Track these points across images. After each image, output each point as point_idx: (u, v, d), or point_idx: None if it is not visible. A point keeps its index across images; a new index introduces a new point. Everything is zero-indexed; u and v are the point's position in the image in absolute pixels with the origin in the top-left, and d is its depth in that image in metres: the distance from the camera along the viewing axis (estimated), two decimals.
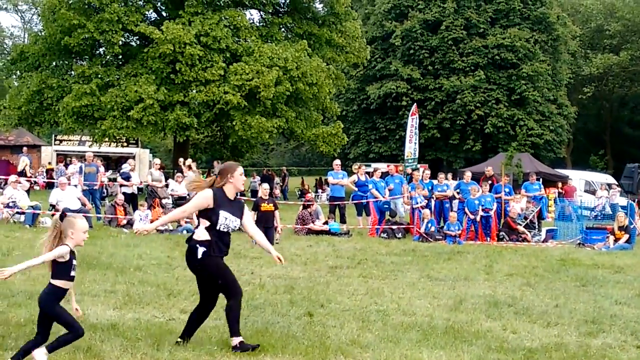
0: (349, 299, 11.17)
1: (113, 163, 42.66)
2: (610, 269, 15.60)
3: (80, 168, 23.66)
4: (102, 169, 25.63)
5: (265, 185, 20.53)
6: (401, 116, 50.43)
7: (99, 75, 34.46)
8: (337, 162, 24.34)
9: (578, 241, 21.30)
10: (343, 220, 22.76)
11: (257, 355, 7.70)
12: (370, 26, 54.93)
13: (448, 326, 9.48)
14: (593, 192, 35.84)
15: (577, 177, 39.81)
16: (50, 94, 34.69)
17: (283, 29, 39.92)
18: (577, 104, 59.43)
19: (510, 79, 51.89)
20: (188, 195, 24.16)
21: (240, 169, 8.00)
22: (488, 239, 21.60)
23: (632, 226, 21.30)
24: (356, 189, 23.29)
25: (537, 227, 23.32)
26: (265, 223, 18.59)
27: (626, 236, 20.52)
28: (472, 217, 21.73)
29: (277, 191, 40.40)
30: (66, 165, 29.36)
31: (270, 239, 18.14)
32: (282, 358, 7.63)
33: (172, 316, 9.51)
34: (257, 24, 39.98)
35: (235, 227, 7.85)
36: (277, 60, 33.79)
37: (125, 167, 25.41)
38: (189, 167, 26.13)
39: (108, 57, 36.27)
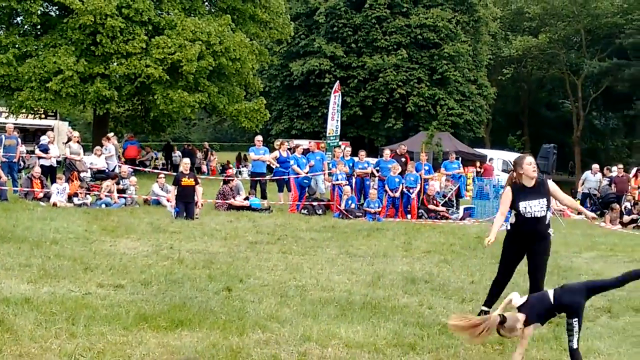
0: (268, 274, 11.20)
1: (30, 135, 41.72)
2: None
3: (0, 140, 23.11)
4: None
5: (186, 160, 20.42)
6: (324, 93, 50.45)
7: (17, 45, 33.56)
8: (259, 137, 24.33)
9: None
10: (264, 196, 22.78)
11: (175, 329, 7.68)
12: (294, 2, 54.66)
13: (366, 302, 9.59)
14: (510, 172, 36.49)
15: (495, 157, 40.53)
16: None
17: (206, 3, 39.52)
18: (496, 85, 60.25)
19: (432, 59, 52.31)
20: (107, 169, 23.91)
21: (527, 159, 8.92)
22: (408, 216, 21.85)
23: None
24: (278, 165, 23.34)
25: (455, 205, 23.69)
26: (186, 198, 18.54)
27: None
28: (392, 194, 21.94)
29: (204, 167, 40.16)
30: None
31: (191, 213, 18.12)
32: (200, 332, 7.62)
33: (89, 290, 9.40)
34: None
35: (542, 208, 8.76)
36: (200, 35, 33.45)
37: (44, 140, 24.91)
38: (108, 139, 25.81)
39: (26, 26, 35.31)
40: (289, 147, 25.84)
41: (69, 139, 24.57)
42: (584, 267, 13.59)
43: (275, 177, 23.56)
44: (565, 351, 7.76)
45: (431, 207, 22.31)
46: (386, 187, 22.13)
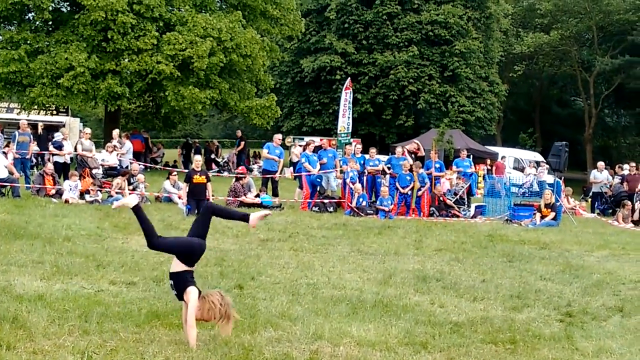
0: (279, 272, 11.22)
1: (42, 132, 41.86)
2: (536, 245, 15.94)
3: (14, 136, 23.21)
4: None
5: (198, 157, 20.45)
6: (335, 90, 50.42)
7: (28, 42, 33.61)
8: (279, 136, 24.39)
9: (506, 217, 21.68)
10: (275, 194, 22.80)
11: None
12: None
13: (377, 300, 9.60)
14: (522, 170, 36.41)
15: (507, 155, 40.40)
16: None
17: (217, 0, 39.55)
18: (508, 82, 60.12)
19: (443, 56, 52.23)
20: (120, 165, 23.98)
21: None
22: (420, 214, 21.85)
23: (558, 203, 21.75)
24: (303, 160, 23.14)
25: (466, 203, 23.66)
26: (198, 195, 18.57)
27: (552, 213, 20.95)
28: (403, 192, 21.94)
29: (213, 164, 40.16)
30: None
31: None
32: (212, 330, 7.63)
33: (101, 287, 9.45)
34: None
35: None
36: (211, 31, 33.43)
37: (58, 136, 24.99)
38: (127, 137, 25.95)
39: (37, 22, 35.34)
40: (299, 144, 25.86)
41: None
42: (596, 265, 13.56)
43: (297, 174, 23.56)
44: (577, 350, 7.75)
45: (449, 202, 22.37)
46: (397, 185, 22.12)
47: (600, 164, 28.45)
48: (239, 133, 39.79)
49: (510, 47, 61.24)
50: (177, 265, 7.35)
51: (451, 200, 22.71)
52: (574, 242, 16.85)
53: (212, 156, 39.51)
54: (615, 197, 26.02)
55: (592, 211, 26.44)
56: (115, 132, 27.26)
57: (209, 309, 7.16)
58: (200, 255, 7.54)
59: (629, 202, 23.70)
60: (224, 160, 37.57)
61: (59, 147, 23.28)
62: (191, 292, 7.20)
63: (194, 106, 34.18)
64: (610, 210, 25.51)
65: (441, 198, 22.48)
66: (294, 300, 9.37)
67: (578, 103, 66.91)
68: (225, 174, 31.63)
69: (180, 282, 7.30)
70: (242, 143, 37.74)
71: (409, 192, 22.10)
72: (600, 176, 27.33)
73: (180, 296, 7.33)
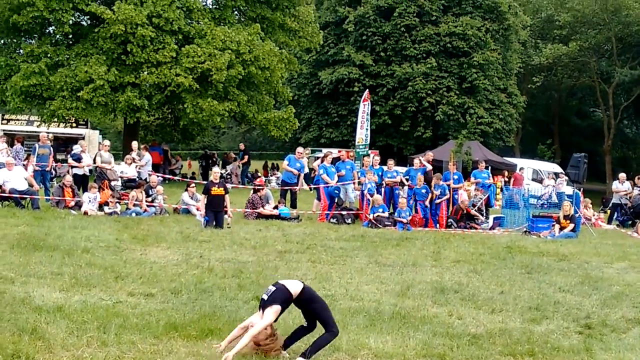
0: None
1: (62, 144, 42.10)
2: (554, 257, 15.85)
3: (34, 148, 23.37)
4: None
5: (216, 169, 20.51)
6: (353, 102, 50.46)
7: (48, 55, 33.86)
8: (300, 149, 24.37)
9: (524, 229, 21.58)
10: (294, 205, 22.81)
11: (204, 338, 7.73)
12: (323, 11, 54.79)
13: (395, 311, 9.58)
14: (540, 181, 36.31)
15: (525, 166, 40.31)
16: None
17: (236, 12, 39.61)
18: (526, 93, 60.02)
19: (461, 67, 52.20)
20: (139, 177, 24.09)
21: None
22: (437, 226, 21.81)
23: (577, 215, 21.64)
24: (321, 172, 23.16)
25: (484, 214, 23.60)
26: (216, 207, 18.61)
27: (571, 225, 20.85)
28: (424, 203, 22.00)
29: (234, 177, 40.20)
30: (10, 145, 28.89)
31: (220, 222, 18.19)
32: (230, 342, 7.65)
33: (120, 299, 9.48)
34: (210, 6, 39.59)
35: None
36: (230, 44, 33.57)
37: (76, 148, 25.14)
38: (146, 149, 26.09)
39: (58, 36, 35.62)
40: (317, 156, 25.88)
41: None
42: (615, 277, 13.48)
43: (315, 186, 23.55)
44: None
45: (473, 212, 22.44)
46: (415, 198, 22.14)
47: (622, 175, 28.30)
48: (242, 146, 39.80)
49: (528, 58, 61.12)
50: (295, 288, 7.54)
51: (473, 209, 22.75)
52: (593, 253, 16.76)
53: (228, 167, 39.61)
54: (634, 208, 25.86)
55: (610, 222, 26.30)
56: (134, 144, 27.41)
57: (271, 338, 7.39)
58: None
59: None
60: (226, 173, 37.59)
61: (78, 159, 23.40)
62: (274, 312, 7.36)
63: (213, 118, 34.30)
64: (630, 222, 25.35)
65: (465, 210, 22.47)
66: None
67: (597, 114, 66.69)
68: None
69: (279, 298, 7.42)
70: (246, 157, 37.66)
71: (427, 205, 22.09)
72: (622, 187, 27.16)
73: (264, 303, 7.47)
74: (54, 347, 7.11)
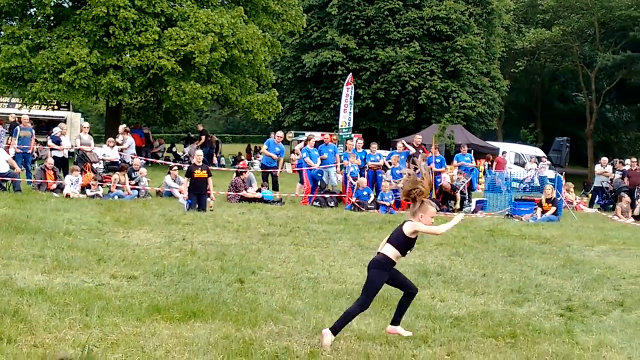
0: (280, 266, 11.23)
1: (44, 126, 41.84)
2: (536, 240, 15.93)
3: (15, 131, 23.21)
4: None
5: (199, 152, 20.45)
6: (336, 85, 50.40)
7: (30, 37, 33.63)
8: (280, 133, 24.41)
9: (507, 212, 21.68)
10: (275, 188, 22.80)
11: (187, 321, 7.71)
12: None
13: (378, 294, 9.60)
14: (523, 165, 36.45)
15: (508, 150, 40.44)
16: None
17: None
18: (509, 78, 60.13)
19: (444, 51, 52.23)
20: (122, 160, 23.98)
21: None
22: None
23: (559, 199, 21.74)
24: (303, 155, 23.15)
25: (467, 198, 23.67)
26: (199, 190, 18.57)
27: (553, 208, 20.96)
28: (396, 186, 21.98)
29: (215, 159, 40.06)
30: None
31: (203, 205, 18.16)
32: (213, 324, 7.65)
33: (102, 281, 9.45)
34: None
35: None
36: (213, 26, 33.43)
37: (56, 131, 25.01)
38: (127, 132, 26.00)
39: (39, 18, 35.36)
40: (300, 139, 25.88)
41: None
42: (596, 260, 13.56)
43: (298, 169, 23.56)
44: (577, 345, 7.75)
45: (458, 195, 22.56)
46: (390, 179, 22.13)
47: (604, 159, 28.50)
48: (200, 127, 39.43)
49: (511, 42, 61.24)
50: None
51: (456, 192, 22.81)
52: (575, 236, 16.86)
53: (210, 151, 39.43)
54: (616, 192, 26.03)
55: (592, 206, 26.46)
56: (122, 127, 27.29)
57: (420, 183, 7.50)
58: None
59: (626, 195, 23.73)
60: (184, 155, 37.49)
61: (57, 142, 23.26)
62: (417, 224, 7.59)
63: (195, 101, 34.20)
64: (611, 205, 25.51)
65: (450, 192, 22.53)
66: (294, 294, 9.38)
67: (579, 99, 66.93)
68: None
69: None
70: (203, 137, 37.12)
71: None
72: (605, 169, 27.29)
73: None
74: (36, 329, 7.08)
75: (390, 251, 7.47)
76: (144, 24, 33.17)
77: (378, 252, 7.56)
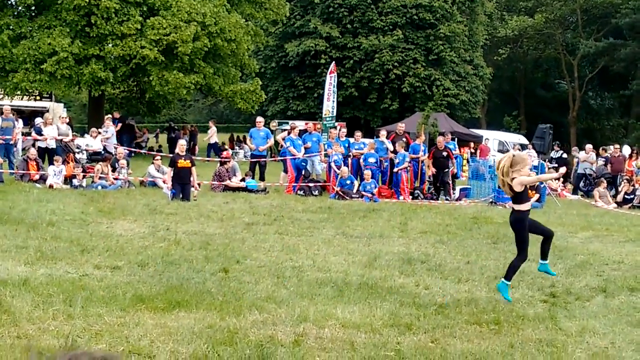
0: (264, 256, 11.23)
1: (26, 117, 41.60)
2: None
3: None
4: (20, 123, 25.08)
5: (182, 142, 20.39)
6: (320, 74, 50.31)
7: (11, 27, 33.37)
8: (260, 119, 24.35)
9: (490, 200, 21.74)
10: (262, 178, 22.77)
11: (172, 310, 7.71)
12: None
13: (362, 282, 9.62)
14: (506, 152, 36.51)
15: (491, 137, 40.49)
16: None
17: None
18: (492, 65, 60.20)
19: (427, 39, 52.20)
20: (104, 150, 23.89)
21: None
22: (399, 195, 21.87)
23: (542, 186, 21.82)
24: (287, 145, 23.14)
25: (451, 185, 23.72)
26: (182, 179, 18.53)
27: (536, 195, 21.02)
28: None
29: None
30: None
31: (187, 195, 18.13)
32: (197, 313, 7.65)
33: (86, 272, 9.42)
34: None
35: None
36: (196, 15, 33.29)
37: (38, 121, 24.87)
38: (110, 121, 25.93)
39: (20, 7, 35.09)
40: (284, 128, 25.84)
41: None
42: (580, 247, 13.63)
43: (281, 158, 23.53)
44: (561, 330, 7.80)
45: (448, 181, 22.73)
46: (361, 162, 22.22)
47: (589, 146, 28.58)
48: (117, 114, 37.79)
49: (494, 30, 61.33)
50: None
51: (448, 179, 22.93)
52: (558, 223, 16.91)
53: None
54: (598, 178, 26.15)
55: (575, 193, 26.57)
56: (107, 118, 27.17)
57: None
58: None
59: (604, 180, 23.88)
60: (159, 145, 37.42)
61: (39, 132, 23.13)
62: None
63: (179, 91, 34.09)
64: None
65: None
66: (279, 283, 9.38)
67: (562, 86, 67.09)
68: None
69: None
70: (120, 124, 35.88)
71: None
72: (588, 155, 27.41)
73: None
74: (19, 320, 7.06)
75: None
76: (126, 14, 32.98)
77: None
